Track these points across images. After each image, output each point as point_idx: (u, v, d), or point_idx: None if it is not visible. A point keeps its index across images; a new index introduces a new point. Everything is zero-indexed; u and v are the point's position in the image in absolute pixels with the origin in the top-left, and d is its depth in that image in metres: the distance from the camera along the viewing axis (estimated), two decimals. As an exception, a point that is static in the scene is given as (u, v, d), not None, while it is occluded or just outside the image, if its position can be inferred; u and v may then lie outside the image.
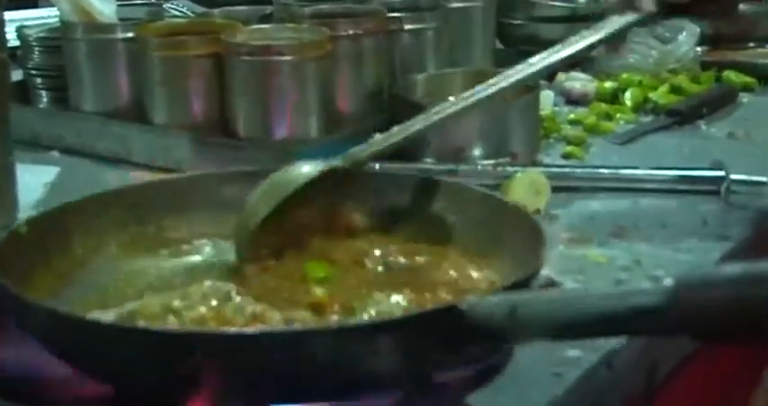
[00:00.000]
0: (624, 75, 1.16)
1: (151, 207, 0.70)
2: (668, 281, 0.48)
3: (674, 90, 1.14)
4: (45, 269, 0.62)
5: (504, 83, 0.76)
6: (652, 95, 1.12)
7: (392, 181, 0.72)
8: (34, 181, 0.88)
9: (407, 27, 0.99)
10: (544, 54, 0.77)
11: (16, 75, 1.08)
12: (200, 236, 0.70)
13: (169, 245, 0.70)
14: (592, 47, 0.79)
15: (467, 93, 0.75)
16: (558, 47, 0.78)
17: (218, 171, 0.77)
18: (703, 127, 1.06)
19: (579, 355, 0.60)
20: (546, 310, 0.51)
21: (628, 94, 1.12)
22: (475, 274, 0.65)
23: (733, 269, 0.45)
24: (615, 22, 0.78)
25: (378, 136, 0.74)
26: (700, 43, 1.22)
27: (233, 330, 0.56)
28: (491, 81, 0.76)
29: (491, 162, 0.89)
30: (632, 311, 0.47)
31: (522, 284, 0.57)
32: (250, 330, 0.57)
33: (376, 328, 0.53)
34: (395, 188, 0.72)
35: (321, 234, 0.70)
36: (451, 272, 0.66)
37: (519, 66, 0.77)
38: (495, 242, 0.65)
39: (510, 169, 0.87)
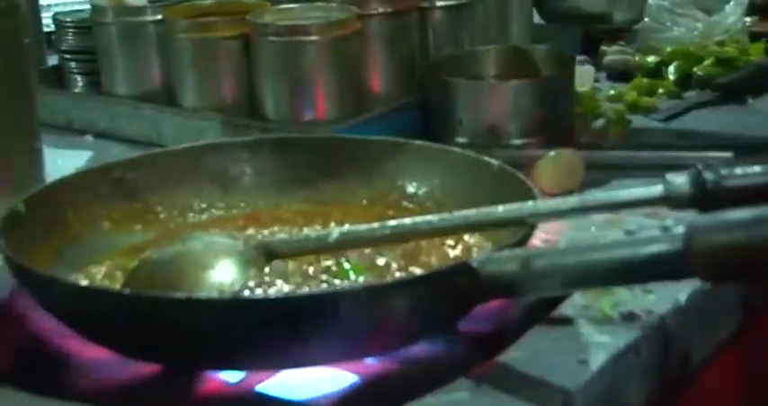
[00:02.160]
0: (668, 49, 1.12)
1: (137, 183, 0.71)
2: (680, 228, 0.49)
3: (721, 63, 1.10)
4: (44, 244, 0.64)
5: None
6: (697, 69, 1.08)
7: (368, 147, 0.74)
8: (67, 166, 0.88)
9: (440, 3, 0.97)
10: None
11: (52, 60, 1.09)
12: (187, 210, 0.72)
13: (158, 220, 0.71)
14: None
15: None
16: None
17: (198, 143, 0.77)
18: (751, 101, 1.02)
19: (606, 340, 0.58)
20: (559, 261, 0.52)
21: (671, 68, 1.09)
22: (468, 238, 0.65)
23: (742, 213, 0.47)
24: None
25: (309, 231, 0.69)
26: (748, 13, 1.18)
27: (257, 295, 0.58)
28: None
29: (525, 140, 0.87)
30: (647, 258, 0.48)
31: (519, 245, 0.57)
32: (273, 294, 0.58)
33: (390, 287, 0.54)
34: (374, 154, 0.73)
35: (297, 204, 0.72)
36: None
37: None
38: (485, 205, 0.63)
39: (544, 148, 0.84)
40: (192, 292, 0.57)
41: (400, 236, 0.61)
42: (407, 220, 0.61)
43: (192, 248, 0.60)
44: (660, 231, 0.49)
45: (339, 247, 0.61)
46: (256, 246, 0.61)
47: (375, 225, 0.61)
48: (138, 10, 0.96)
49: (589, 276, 0.50)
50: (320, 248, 0.61)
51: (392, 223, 0.61)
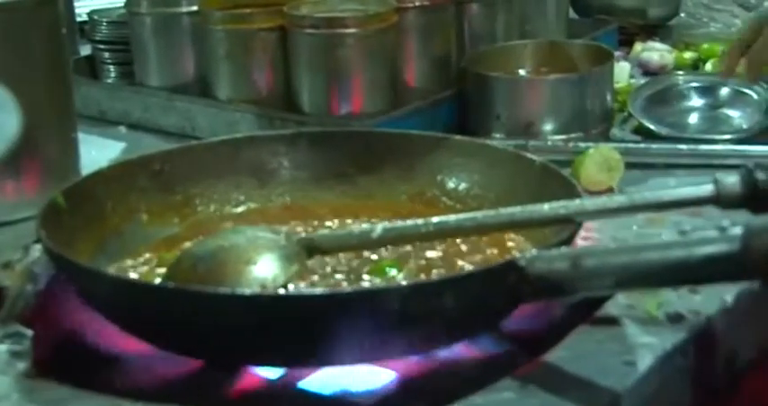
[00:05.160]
0: (705, 45, 1.11)
1: (174, 175, 0.70)
2: (737, 229, 0.48)
3: (759, 60, 1.08)
4: (83, 236, 0.63)
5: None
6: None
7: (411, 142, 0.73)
8: (101, 157, 0.88)
9: (476, -3, 0.96)
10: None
11: (85, 50, 1.09)
12: (225, 202, 0.71)
13: (196, 212, 0.70)
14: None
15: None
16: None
17: (236, 136, 0.77)
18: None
19: (652, 341, 0.57)
20: (611, 261, 0.51)
21: (709, 65, 1.07)
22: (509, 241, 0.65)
23: None
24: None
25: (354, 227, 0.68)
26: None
27: (300, 291, 0.57)
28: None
29: (562, 137, 0.86)
30: (703, 259, 0.48)
31: (565, 243, 0.56)
32: (319, 290, 0.58)
33: (437, 285, 0.53)
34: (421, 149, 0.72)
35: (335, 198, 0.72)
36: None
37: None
38: (526, 202, 0.61)
39: (582, 144, 0.83)
40: (233, 287, 0.56)
41: (444, 233, 0.60)
42: (452, 217, 0.60)
43: (235, 242, 0.60)
44: (716, 231, 0.47)
45: (382, 243, 0.60)
46: (298, 241, 0.60)
47: (419, 221, 0.60)
48: (174, 1, 0.95)
49: (642, 276, 0.49)
50: (363, 244, 0.60)
51: (436, 219, 0.60)
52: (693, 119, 0.93)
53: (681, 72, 1.02)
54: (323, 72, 0.87)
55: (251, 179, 0.73)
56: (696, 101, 0.95)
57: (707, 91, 0.95)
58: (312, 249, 0.60)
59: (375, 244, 0.61)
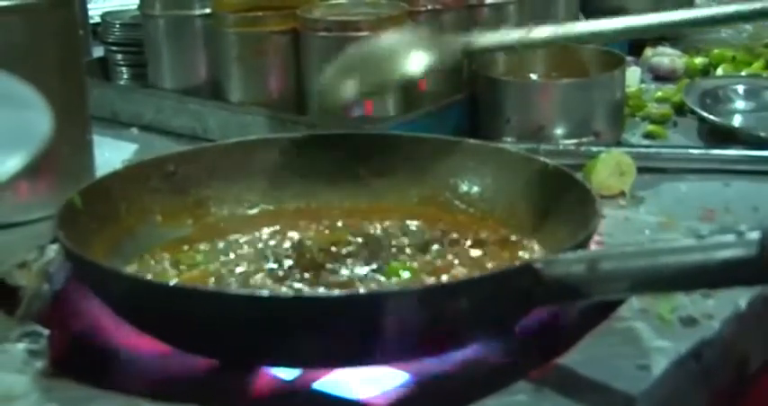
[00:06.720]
0: (716, 50, 1.11)
1: (188, 176, 0.71)
2: (754, 233, 0.48)
3: (770, 65, 1.08)
4: (98, 237, 0.63)
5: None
6: (745, 72, 1.07)
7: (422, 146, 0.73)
8: (114, 158, 0.88)
9: (488, 1, 0.96)
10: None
11: (97, 52, 1.09)
12: (237, 204, 0.72)
13: (209, 214, 0.71)
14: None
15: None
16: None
17: (249, 138, 0.77)
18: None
19: (666, 345, 0.57)
20: (627, 264, 0.51)
21: (719, 70, 1.07)
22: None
23: None
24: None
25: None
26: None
27: (316, 293, 0.58)
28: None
29: (573, 141, 0.87)
30: (720, 263, 0.47)
31: (580, 247, 0.56)
32: (335, 292, 0.58)
33: (452, 287, 0.54)
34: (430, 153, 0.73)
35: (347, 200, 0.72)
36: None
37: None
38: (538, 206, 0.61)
39: (593, 149, 0.84)
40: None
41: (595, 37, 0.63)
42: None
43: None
44: (734, 236, 0.47)
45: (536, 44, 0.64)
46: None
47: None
48: (187, 3, 0.95)
49: (659, 280, 0.49)
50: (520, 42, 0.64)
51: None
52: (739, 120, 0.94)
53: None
54: (335, 75, 0.88)
55: (263, 181, 0.73)
56: (740, 103, 0.96)
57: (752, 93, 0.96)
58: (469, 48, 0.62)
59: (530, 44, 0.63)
